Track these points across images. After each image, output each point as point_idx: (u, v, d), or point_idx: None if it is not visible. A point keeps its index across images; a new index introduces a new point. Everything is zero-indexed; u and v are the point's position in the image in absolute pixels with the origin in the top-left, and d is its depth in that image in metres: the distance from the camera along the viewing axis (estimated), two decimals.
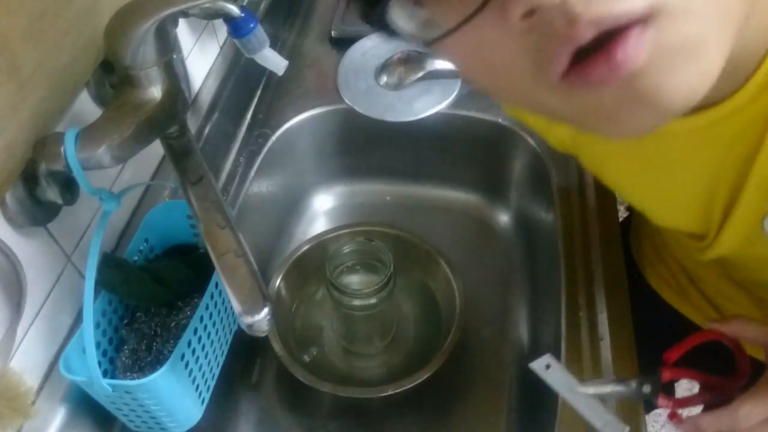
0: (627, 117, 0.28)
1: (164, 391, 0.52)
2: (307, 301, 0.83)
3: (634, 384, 0.46)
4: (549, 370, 0.46)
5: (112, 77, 0.57)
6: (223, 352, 0.63)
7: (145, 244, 0.63)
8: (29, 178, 0.47)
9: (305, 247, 0.81)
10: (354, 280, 0.76)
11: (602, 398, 0.45)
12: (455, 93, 0.89)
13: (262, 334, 0.45)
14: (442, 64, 0.89)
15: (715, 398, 0.46)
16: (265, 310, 0.44)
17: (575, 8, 0.24)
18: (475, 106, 0.88)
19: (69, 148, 0.45)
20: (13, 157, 0.46)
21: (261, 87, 0.93)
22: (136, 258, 0.61)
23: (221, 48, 0.86)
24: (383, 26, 0.31)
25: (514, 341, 0.81)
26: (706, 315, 0.66)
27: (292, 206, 0.95)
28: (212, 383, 0.61)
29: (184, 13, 0.47)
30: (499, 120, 0.86)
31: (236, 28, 0.62)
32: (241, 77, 0.87)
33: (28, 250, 0.49)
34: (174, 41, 0.49)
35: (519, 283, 0.87)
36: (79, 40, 0.51)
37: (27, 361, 0.50)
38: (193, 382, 0.56)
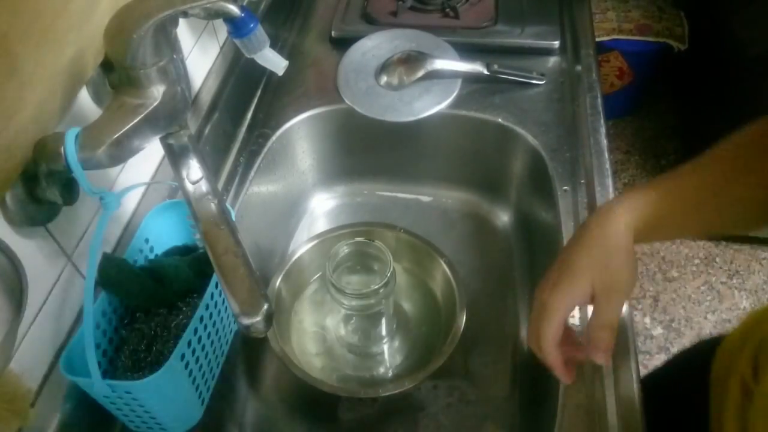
0: None
1: (164, 391, 0.52)
2: (307, 301, 0.83)
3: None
4: None
5: (112, 77, 0.57)
6: (223, 352, 0.63)
7: (145, 244, 0.63)
8: (29, 178, 0.47)
9: (305, 247, 0.81)
10: (354, 280, 0.76)
11: None
12: (455, 93, 0.89)
13: (261, 336, 0.44)
14: (442, 64, 0.89)
15: None
16: (263, 312, 0.43)
17: None
18: (475, 106, 0.88)
19: (69, 148, 0.45)
20: (13, 157, 0.45)
21: (261, 87, 0.93)
22: (136, 258, 0.61)
23: (221, 48, 0.86)
24: None
25: (514, 340, 0.81)
26: None
27: (292, 206, 0.95)
28: (212, 383, 0.61)
29: (184, 13, 0.47)
30: (499, 120, 0.86)
31: (236, 28, 0.62)
32: (241, 77, 0.87)
33: (28, 250, 0.49)
34: (174, 41, 0.49)
35: (519, 283, 0.87)
36: (79, 40, 0.51)
37: (27, 361, 0.50)
38: (193, 382, 0.56)
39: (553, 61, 0.94)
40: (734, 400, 0.54)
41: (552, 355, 0.51)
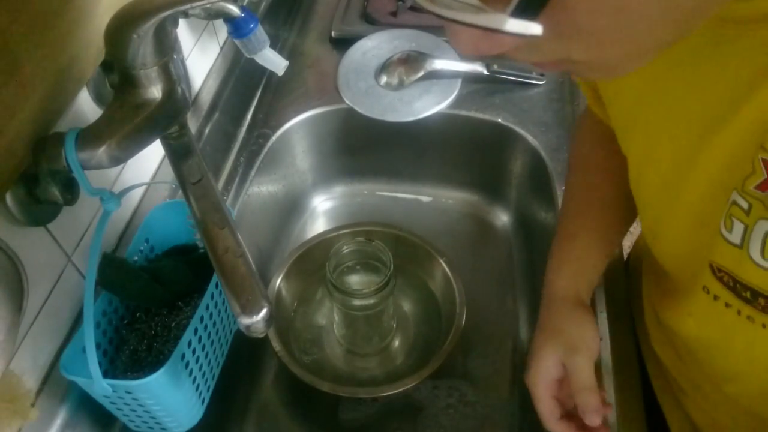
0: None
1: (164, 391, 0.52)
2: (307, 301, 0.83)
3: None
4: None
5: (112, 77, 0.57)
6: (223, 352, 0.63)
7: (145, 244, 0.63)
8: (30, 178, 0.47)
9: (305, 247, 0.81)
10: (354, 280, 0.76)
11: None
12: (455, 93, 0.89)
13: (261, 335, 0.44)
14: (442, 64, 0.89)
15: None
16: (264, 312, 0.43)
17: None
18: (475, 106, 0.88)
19: (69, 148, 0.45)
20: (13, 157, 0.45)
21: (261, 87, 0.93)
22: (136, 258, 0.61)
23: (221, 48, 0.86)
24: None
25: (514, 341, 0.81)
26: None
27: (292, 206, 0.95)
28: (212, 383, 0.61)
29: (185, 14, 0.47)
30: (499, 120, 0.86)
31: (236, 28, 0.62)
32: (241, 77, 0.87)
33: (29, 250, 0.49)
34: (174, 41, 0.49)
35: (519, 283, 0.87)
36: (79, 40, 0.51)
37: (27, 361, 0.50)
38: (193, 382, 0.56)
39: None
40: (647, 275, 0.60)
41: (558, 428, 0.54)
